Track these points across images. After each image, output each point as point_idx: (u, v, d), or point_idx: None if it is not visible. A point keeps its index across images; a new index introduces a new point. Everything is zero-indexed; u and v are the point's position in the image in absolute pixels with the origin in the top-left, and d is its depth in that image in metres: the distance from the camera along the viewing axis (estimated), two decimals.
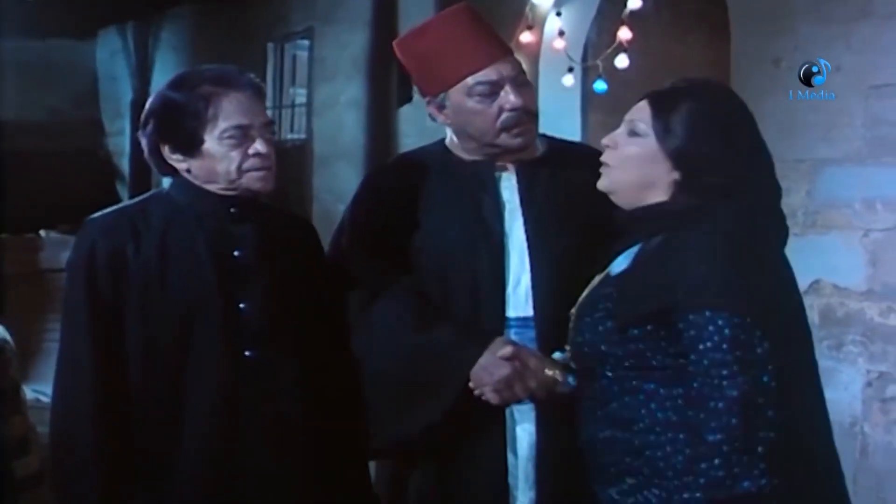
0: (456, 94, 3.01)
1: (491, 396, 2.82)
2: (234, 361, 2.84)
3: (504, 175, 3.05)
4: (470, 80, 2.99)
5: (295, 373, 2.90)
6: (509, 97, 2.96)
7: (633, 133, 2.60)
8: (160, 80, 14.18)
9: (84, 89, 15.08)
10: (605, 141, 2.66)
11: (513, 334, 2.96)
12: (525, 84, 3.02)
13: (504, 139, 3.00)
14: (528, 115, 3.00)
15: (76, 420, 2.82)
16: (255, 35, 11.03)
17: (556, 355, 2.87)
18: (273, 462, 2.86)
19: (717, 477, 2.37)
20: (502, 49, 3.06)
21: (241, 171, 2.84)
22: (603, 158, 2.66)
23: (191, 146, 2.85)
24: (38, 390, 7.17)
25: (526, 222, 3.00)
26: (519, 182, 3.04)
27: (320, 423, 2.95)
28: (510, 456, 3.00)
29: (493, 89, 2.97)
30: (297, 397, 2.91)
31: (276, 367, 2.87)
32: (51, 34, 14.21)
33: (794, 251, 5.25)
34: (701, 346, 2.41)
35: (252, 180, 2.86)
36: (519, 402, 2.90)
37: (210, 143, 2.83)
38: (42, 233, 9.47)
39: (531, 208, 3.01)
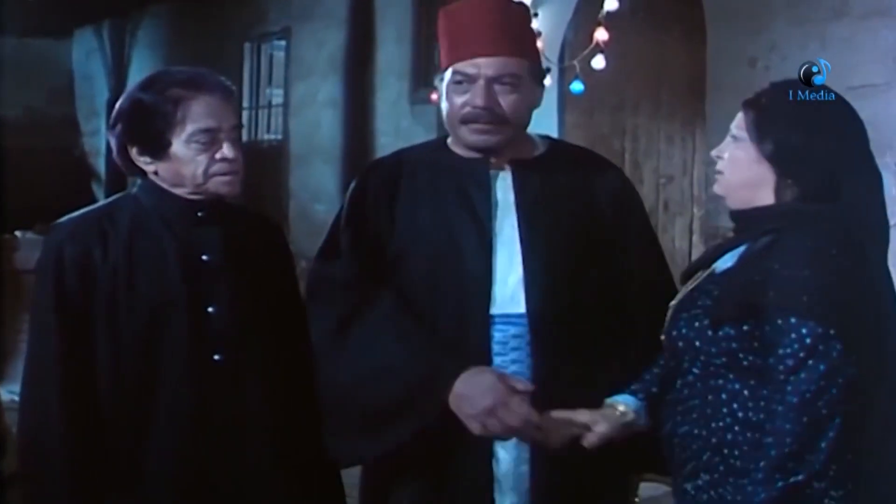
0: (446, 78, 3.00)
1: (473, 427, 2.80)
2: (203, 365, 2.82)
3: (500, 174, 3.03)
4: (456, 66, 2.98)
5: (263, 376, 2.89)
6: (474, 96, 2.93)
7: (733, 139, 2.65)
8: (136, 79, 14.08)
9: (60, 87, 15.07)
10: (713, 153, 2.73)
11: (496, 331, 2.94)
12: (510, 86, 2.95)
13: (464, 133, 2.95)
14: (493, 116, 2.94)
15: (44, 423, 2.78)
16: (232, 35, 11.04)
17: (620, 398, 2.84)
18: (239, 465, 2.85)
19: (760, 479, 2.43)
20: (500, 46, 2.98)
21: (207, 175, 2.81)
22: (717, 167, 2.72)
23: (158, 149, 2.82)
24: (14, 391, 7.15)
25: (519, 220, 2.97)
26: (514, 181, 3.01)
27: (287, 425, 2.94)
28: (493, 463, 2.98)
29: (467, 81, 2.95)
30: (264, 400, 2.89)
31: (244, 371, 2.86)
32: (27, 32, 14.18)
33: None
34: (780, 351, 2.43)
35: (218, 184, 2.83)
36: (504, 438, 2.87)
37: (177, 146, 2.80)
38: (18, 233, 9.44)
39: (524, 207, 2.97)
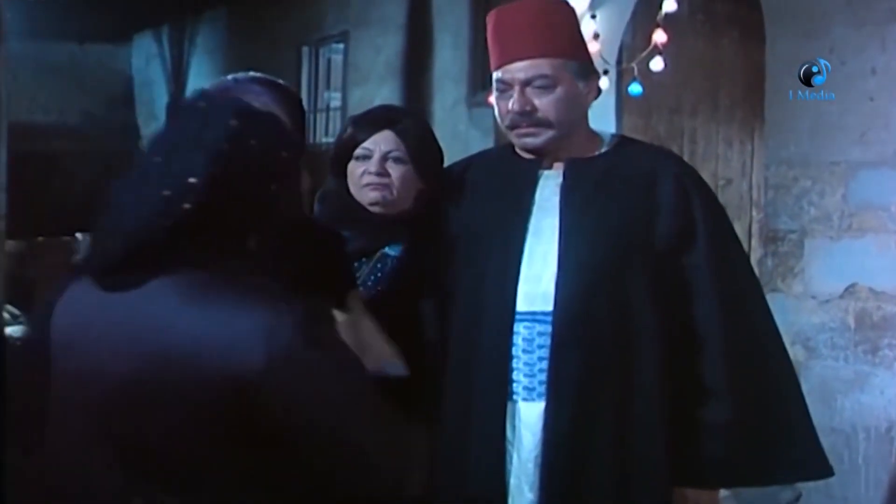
0: (493, 84, 3.04)
1: None
2: None
3: (548, 173, 3.01)
4: (496, 74, 3.00)
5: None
6: (511, 101, 2.95)
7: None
8: (195, 83, 14.23)
9: (119, 93, 15.19)
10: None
11: (524, 328, 2.93)
12: (543, 88, 2.94)
13: (513, 137, 3.00)
14: (532, 119, 2.95)
15: None
16: (290, 39, 11.08)
17: None
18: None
19: None
20: (529, 49, 2.98)
21: None
22: None
23: None
24: None
25: (560, 219, 2.96)
26: (564, 180, 3.00)
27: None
28: (514, 454, 2.95)
29: (506, 88, 2.96)
30: None
31: None
32: (87, 38, 14.32)
33: (830, 255, 5.26)
34: None
35: None
36: None
37: None
38: (78, 235, 9.54)
39: (567, 206, 2.95)
